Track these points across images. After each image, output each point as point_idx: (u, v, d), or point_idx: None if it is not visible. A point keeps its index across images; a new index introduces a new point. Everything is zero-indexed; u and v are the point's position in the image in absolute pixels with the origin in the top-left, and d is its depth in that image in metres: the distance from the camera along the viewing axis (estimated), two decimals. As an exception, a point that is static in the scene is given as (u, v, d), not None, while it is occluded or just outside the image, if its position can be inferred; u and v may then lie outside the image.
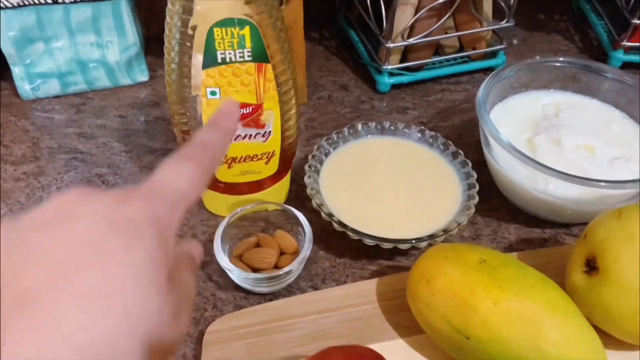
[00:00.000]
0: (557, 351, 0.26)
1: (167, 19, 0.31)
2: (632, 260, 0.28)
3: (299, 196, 0.42)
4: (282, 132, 0.36)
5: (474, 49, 0.54)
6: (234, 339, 0.32)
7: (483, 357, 0.28)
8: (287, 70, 0.34)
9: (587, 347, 0.27)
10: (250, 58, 0.32)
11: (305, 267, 0.37)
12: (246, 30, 0.30)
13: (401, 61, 0.53)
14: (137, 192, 0.18)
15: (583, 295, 0.30)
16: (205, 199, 0.42)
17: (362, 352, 0.27)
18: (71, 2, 0.45)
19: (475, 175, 0.39)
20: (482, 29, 0.52)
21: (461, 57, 0.54)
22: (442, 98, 0.53)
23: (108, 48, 0.49)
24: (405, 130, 0.43)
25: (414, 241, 0.35)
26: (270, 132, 0.36)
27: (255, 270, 0.35)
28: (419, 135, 0.43)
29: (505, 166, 0.39)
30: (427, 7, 0.48)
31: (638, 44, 0.53)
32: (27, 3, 0.45)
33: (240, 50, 0.31)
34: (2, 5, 0.44)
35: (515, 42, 0.60)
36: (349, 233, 0.36)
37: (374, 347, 0.28)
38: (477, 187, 0.38)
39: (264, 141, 0.36)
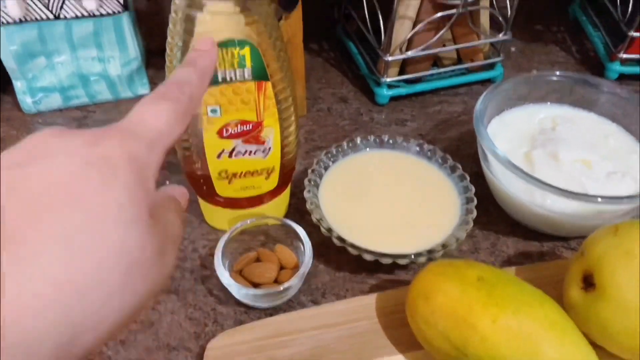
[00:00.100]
0: (555, 368, 0.27)
1: (169, 38, 0.32)
2: (628, 277, 0.28)
3: (299, 209, 0.43)
4: (282, 148, 0.37)
5: (472, 60, 0.54)
6: (235, 354, 0.33)
7: (482, 374, 0.28)
8: (287, 88, 0.34)
9: (585, 363, 0.27)
10: (250, 77, 0.32)
11: (305, 281, 0.37)
12: (246, 50, 0.31)
13: (400, 73, 0.53)
14: (113, 132, 0.17)
15: (581, 312, 0.30)
16: (205, 213, 0.42)
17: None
18: (73, 18, 0.46)
19: (473, 189, 0.40)
20: (479, 42, 0.53)
21: (459, 69, 0.55)
22: (440, 110, 0.53)
23: (109, 62, 0.49)
24: (404, 143, 0.43)
25: (413, 256, 0.35)
26: (270, 148, 0.36)
27: (255, 285, 0.36)
28: (418, 148, 0.43)
29: (503, 180, 0.39)
30: (425, 21, 0.48)
31: (634, 55, 0.54)
32: (29, 19, 0.45)
33: (241, 70, 0.32)
34: (4, 21, 0.45)
35: (513, 49, 0.60)
36: (349, 248, 0.36)
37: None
38: (475, 201, 0.39)
39: (264, 157, 0.36)
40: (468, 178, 0.40)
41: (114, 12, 0.46)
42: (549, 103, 0.45)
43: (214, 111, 0.33)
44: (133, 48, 0.49)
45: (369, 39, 0.52)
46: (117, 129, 0.18)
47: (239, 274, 0.37)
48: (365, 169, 0.43)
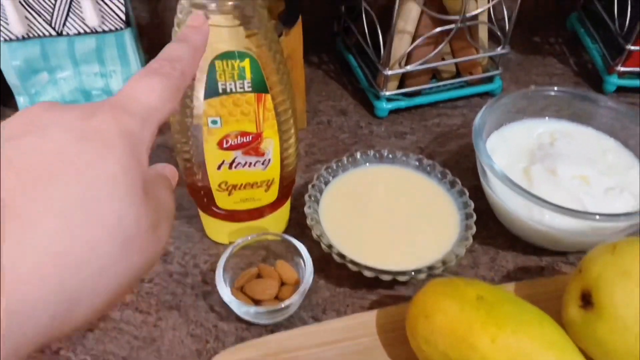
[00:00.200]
0: (554, 387, 0.27)
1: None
2: (626, 296, 0.29)
3: (300, 223, 0.43)
4: (282, 160, 0.37)
5: (471, 74, 0.55)
6: (236, 372, 0.33)
7: (481, 392, 0.28)
8: (286, 100, 0.35)
9: (583, 382, 0.28)
10: (250, 89, 0.32)
11: (305, 297, 0.38)
12: (246, 63, 0.31)
13: (399, 86, 0.53)
14: (106, 107, 0.17)
15: (579, 330, 0.30)
16: (206, 226, 0.42)
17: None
18: (75, 34, 0.46)
19: (473, 205, 0.40)
20: (478, 56, 0.53)
21: (458, 82, 0.55)
22: (439, 123, 0.54)
23: (112, 77, 0.50)
24: (404, 158, 0.44)
25: (412, 273, 0.35)
26: (269, 159, 0.36)
27: (256, 302, 0.36)
28: (417, 163, 0.43)
29: (502, 196, 0.39)
30: (424, 36, 0.49)
31: (632, 68, 0.54)
32: (31, 35, 0.45)
33: (241, 82, 0.32)
34: (7, 37, 0.45)
35: (511, 58, 0.61)
36: (349, 265, 0.36)
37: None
38: (474, 217, 0.39)
39: (264, 169, 0.37)
40: (467, 193, 0.41)
41: (116, 29, 0.46)
42: (547, 117, 0.46)
43: (214, 122, 0.34)
44: (135, 63, 0.50)
45: (368, 52, 0.52)
46: (110, 104, 0.18)
47: (240, 291, 0.37)
48: (365, 184, 0.43)
